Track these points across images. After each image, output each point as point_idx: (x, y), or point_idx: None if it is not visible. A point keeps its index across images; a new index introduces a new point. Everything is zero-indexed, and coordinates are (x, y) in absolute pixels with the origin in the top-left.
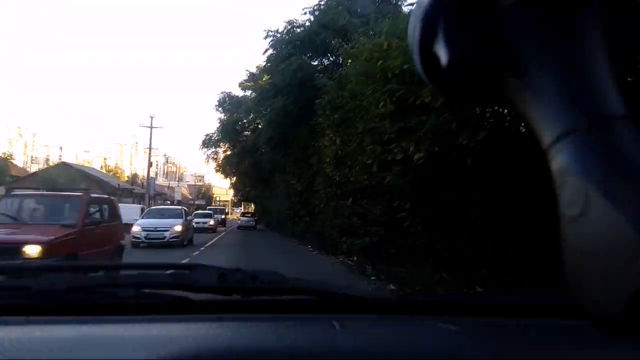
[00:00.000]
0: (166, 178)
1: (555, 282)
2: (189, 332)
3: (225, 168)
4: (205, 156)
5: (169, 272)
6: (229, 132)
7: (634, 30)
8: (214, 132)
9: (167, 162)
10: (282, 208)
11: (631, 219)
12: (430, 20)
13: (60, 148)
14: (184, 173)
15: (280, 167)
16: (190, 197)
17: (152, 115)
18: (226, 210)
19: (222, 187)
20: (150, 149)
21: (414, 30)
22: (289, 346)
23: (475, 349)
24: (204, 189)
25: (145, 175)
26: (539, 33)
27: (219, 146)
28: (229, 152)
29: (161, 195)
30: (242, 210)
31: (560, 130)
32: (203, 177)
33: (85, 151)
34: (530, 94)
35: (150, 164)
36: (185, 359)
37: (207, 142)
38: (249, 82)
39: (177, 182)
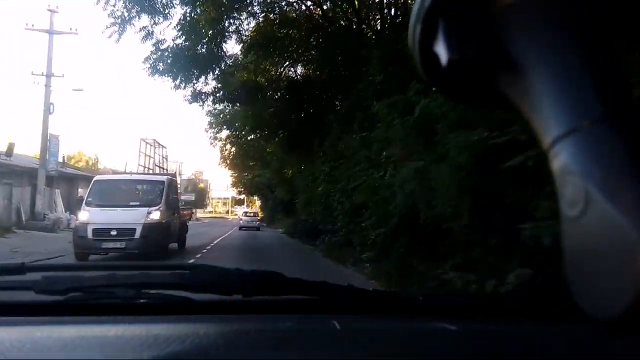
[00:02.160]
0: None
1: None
2: (189, 332)
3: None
4: (153, 71)
5: (169, 272)
6: None
7: (634, 29)
8: None
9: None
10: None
11: (631, 219)
12: (430, 19)
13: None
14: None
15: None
16: (180, 192)
17: (51, 9)
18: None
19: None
20: (48, 76)
21: (414, 30)
22: (289, 346)
23: (475, 349)
24: (200, 183)
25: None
26: (540, 32)
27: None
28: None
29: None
30: (245, 209)
31: (561, 130)
32: (202, 172)
33: None
34: (530, 93)
35: (49, 107)
36: (185, 359)
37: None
38: None
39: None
